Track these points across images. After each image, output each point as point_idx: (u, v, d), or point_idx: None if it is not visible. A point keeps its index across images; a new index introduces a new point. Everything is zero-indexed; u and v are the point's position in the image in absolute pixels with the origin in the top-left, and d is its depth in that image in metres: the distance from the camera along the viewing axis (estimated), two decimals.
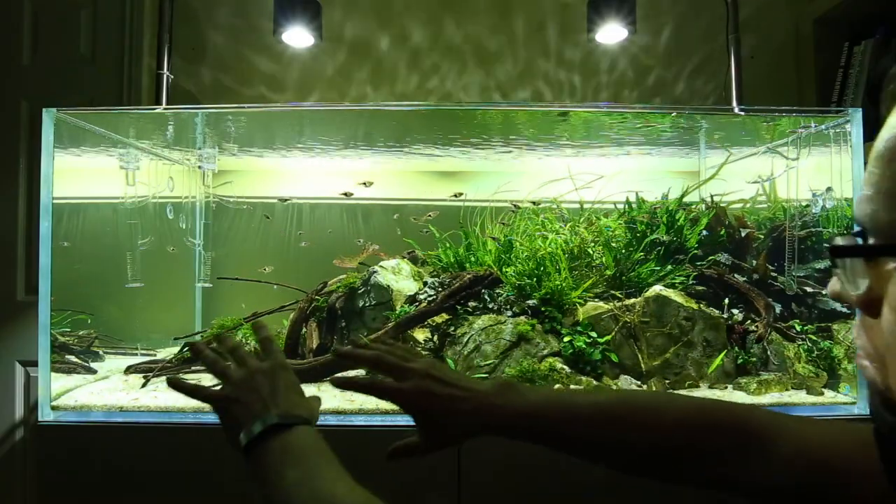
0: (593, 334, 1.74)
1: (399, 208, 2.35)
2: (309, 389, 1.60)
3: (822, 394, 1.65)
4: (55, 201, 1.59)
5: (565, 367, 1.69)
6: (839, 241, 0.46)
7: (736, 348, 1.76)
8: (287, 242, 2.32)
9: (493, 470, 1.46)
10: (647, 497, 1.47)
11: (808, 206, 1.85)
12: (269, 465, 0.67)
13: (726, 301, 1.85)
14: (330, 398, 1.58)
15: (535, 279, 1.88)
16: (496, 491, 1.48)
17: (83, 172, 2.15)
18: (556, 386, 1.62)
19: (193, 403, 1.53)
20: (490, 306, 1.87)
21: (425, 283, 1.97)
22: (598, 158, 2.29)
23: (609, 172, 2.22)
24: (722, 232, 2.00)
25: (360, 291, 2.00)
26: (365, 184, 2.16)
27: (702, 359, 1.74)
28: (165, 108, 1.93)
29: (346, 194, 2.19)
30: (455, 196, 2.17)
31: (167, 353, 2.01)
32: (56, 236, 1.59)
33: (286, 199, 2.27)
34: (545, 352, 1.73)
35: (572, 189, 2.19)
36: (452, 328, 1.81)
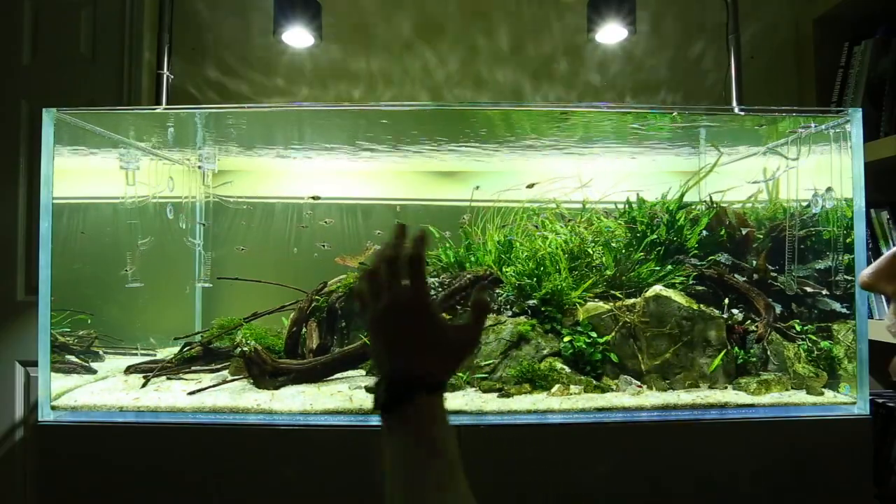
0: (593, 334, 1.74)
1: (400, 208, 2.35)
2: (309, 389, 1.62)
3: (822, 394, 1.65)
4: (55, 201, 1.59)
5: (565, 367, 1.69)
6: None
7: (736, 348, 1.76)
8: (287, 242, 2.32)
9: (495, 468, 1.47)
10: (644, 499, 1.47)
11: (808, 206, 1.85)
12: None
13: (726, 301, 1.85)
14: (330, 398, 1.57)
15: (535, 279, 1.88)
16: (495, 491, 1.48)
17: (83, 172, 2.15)
18: (557, 386, 1.62)
19: (193, 403, 1.54)
20: (490, 306, 1.88)
21: None
22: (598, 158, 2.28)
23: (610, 173, 2.22)
24: (722, 231, 2.00)
25: None
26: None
27: (702, 359, 1.74)
28: (165, 108, 1.93)
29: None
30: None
31: (167, 353, 2.01)
32: (56, 236, 1.59)
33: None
34: (545, 352, 1.73)
35: (575, 189, 2.19)
36: None
